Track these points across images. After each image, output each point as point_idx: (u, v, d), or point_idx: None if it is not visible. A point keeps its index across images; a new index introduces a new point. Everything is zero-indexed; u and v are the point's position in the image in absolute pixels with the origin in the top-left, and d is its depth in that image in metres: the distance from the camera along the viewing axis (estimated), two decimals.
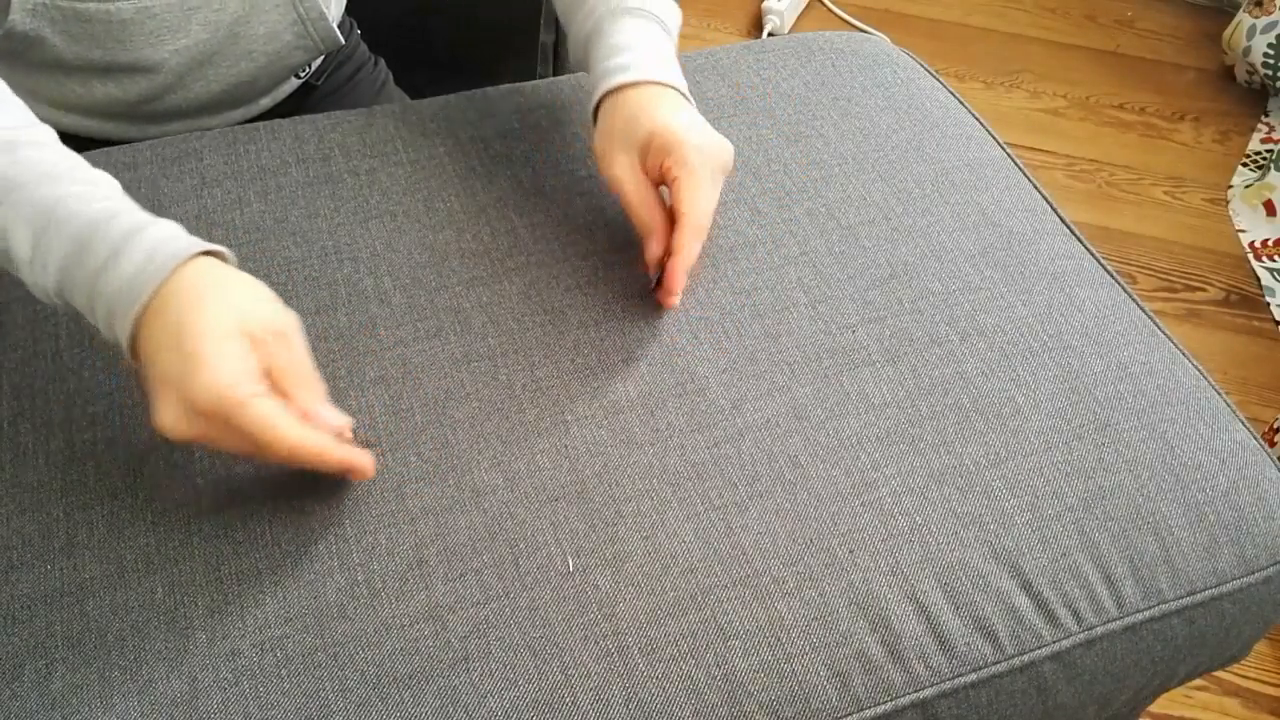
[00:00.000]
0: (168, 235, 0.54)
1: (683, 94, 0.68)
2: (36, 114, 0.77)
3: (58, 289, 0.54)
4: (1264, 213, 1.57)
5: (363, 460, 0.55)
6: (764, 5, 1.86)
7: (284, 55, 0.79)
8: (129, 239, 0.53)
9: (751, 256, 0.71)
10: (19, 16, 0.67)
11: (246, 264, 0.68)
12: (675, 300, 0.66)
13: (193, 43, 0.73)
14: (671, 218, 0.65)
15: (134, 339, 0.53)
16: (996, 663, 0.57)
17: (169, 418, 0.51)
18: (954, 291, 0.70)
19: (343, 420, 0.55)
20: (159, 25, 0.71)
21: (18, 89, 0.74)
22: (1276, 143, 1.68)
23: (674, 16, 0.73)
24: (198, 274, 0.53)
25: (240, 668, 0.52)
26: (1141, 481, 0.62)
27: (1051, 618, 0.58)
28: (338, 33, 0.80)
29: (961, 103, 0.86)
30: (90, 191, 0.56)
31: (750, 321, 0.67)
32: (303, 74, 0.87)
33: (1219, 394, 0.68)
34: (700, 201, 0.64)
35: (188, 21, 0.71)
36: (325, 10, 0.78)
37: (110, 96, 0.75)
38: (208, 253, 0.55)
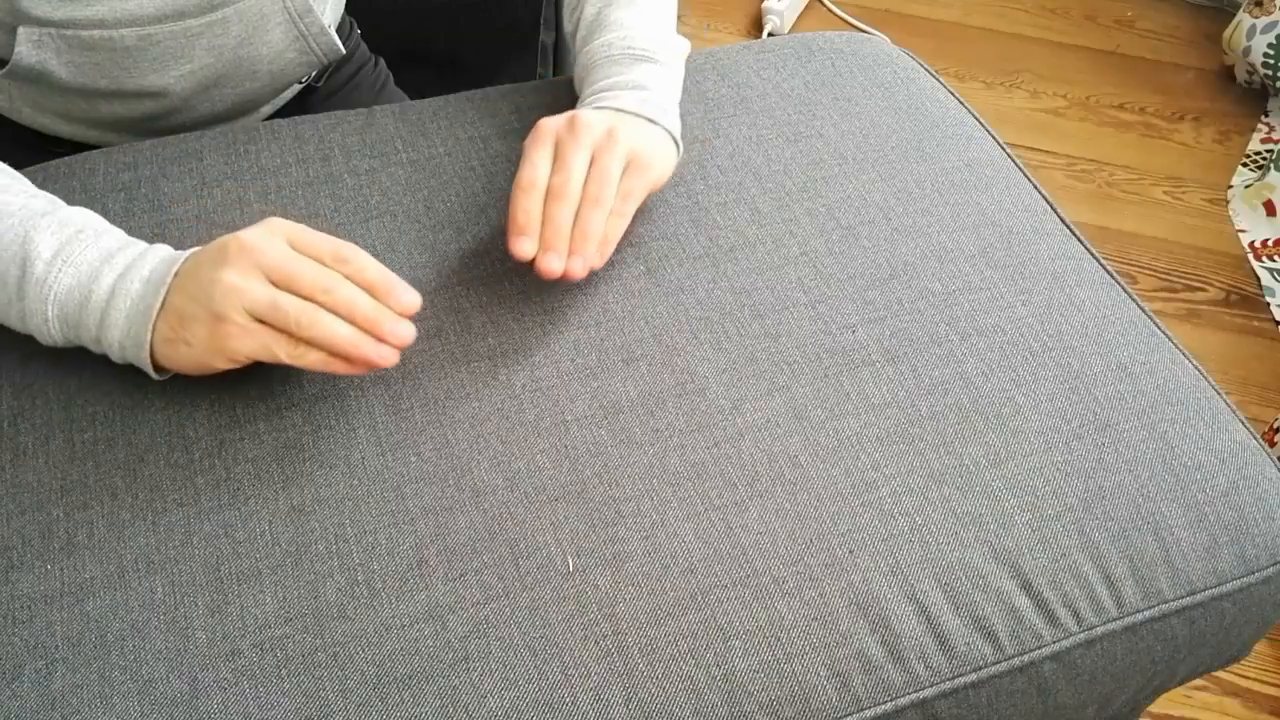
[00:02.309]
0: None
1: (659, 125, 0.68)
2: (37, 121, 0.77)
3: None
4: (1264, 213, 1.57)
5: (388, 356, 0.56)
6: (764, 5, 1.86)
7: (288, 71, 0.79)
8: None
9: (751, 256, 0.71)
10: (24, 49, 0.67)
11: None
12: (555, 266, 0.62)
13: (197, 68, 0.73)
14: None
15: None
16: (996, 663, 0.57)
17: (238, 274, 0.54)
18: (954, 291, 0.70)
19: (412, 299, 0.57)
20: (162, 52, 0.70)
21: (20, 99, 0.75)
22: (1276, 143, 1.68)
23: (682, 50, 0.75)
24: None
25: (240, 668, 0.52)
26: (1141, 481, 0.62)
27: (1051, 618, 0.58)
28: (339, 43, 0.80)
29: (961, 103, 0.86)
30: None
31: (750, 321, 0.67)
32: (304, 80, 0.87)
33: (1219, 394, 0.68)
34: (556, 167, 0.63)
35: (191, 47, 0.71)
36: (325, 24, 0.78)
37: (116, 114, 0.76)
38: None
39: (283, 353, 0.54)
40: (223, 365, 0.56)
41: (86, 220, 0.59)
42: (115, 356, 0.58)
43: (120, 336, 0.57)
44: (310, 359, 0.55)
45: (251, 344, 0.54)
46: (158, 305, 0.56)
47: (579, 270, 0.62)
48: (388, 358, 0.56)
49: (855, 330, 0.67)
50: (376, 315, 0.55)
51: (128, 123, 0.77)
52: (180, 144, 0.75)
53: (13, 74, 0.69)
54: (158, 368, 0.59)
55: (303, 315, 0.54)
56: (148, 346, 0.57)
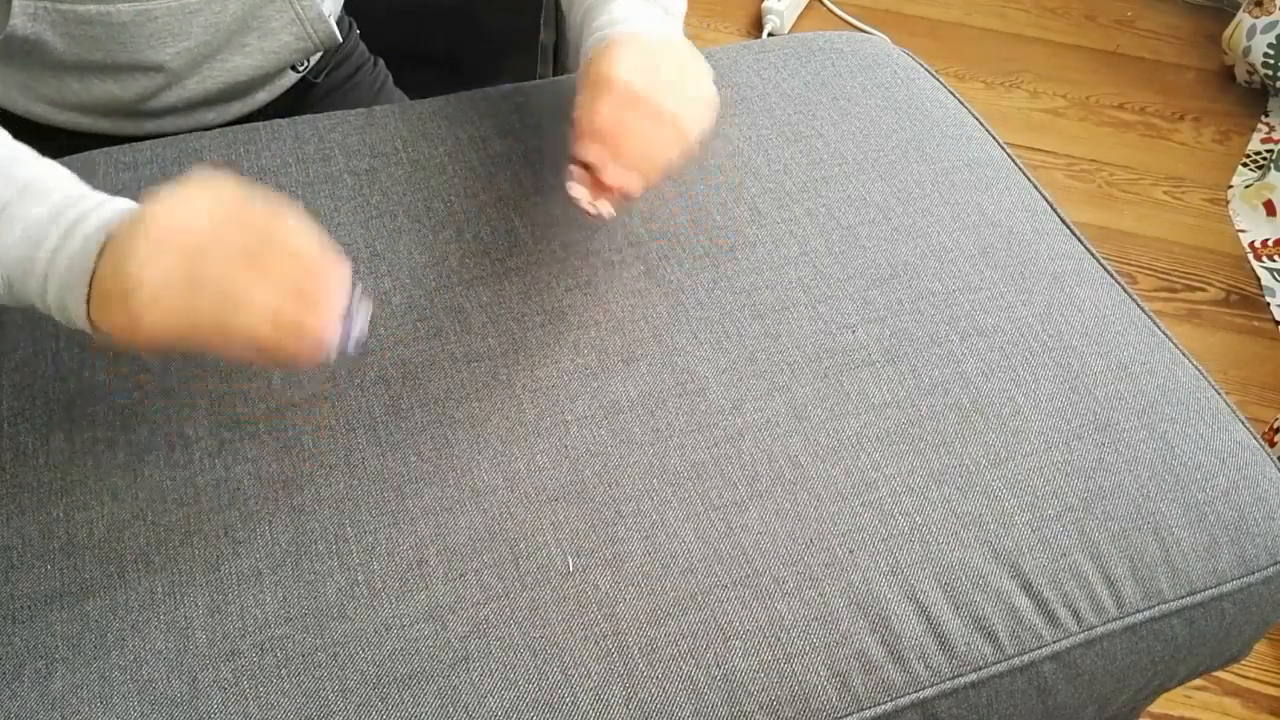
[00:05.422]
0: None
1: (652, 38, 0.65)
2: (30, 110, 0.77)
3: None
4: (1264, 213, 1.57)
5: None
6: (764, 5, 1.86)
7: (282, 54, 0.79)
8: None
9: (751, 256, 0.71)
10: (19, 21, 0.67)
11: None
12: (588, 204, 0.60)
13: (194, 44, 0.73)
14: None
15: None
16: (996, 663, 0.57)
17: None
18: (954, 291, 0.70)
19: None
20: (159, 28, 0.70)
21: (13, 85, 0.75)
22: (1276, 143, 1.68)
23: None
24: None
25: (240, 668, 0.52)
26: (1141, 481, 0.62)
27: (1051, 618, 0.58)
28: (336, 31, 0.80)
29: (961, 103, 0.86)
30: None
31: (750, 321, 0.67)
32: (300, 68, 0.87)
33: (1219, 394, 0.68)
34: (589, 110, 0.60)
35: (189, 24, 0.71)
36: (323, 10, 0.78)
37: (109, 95, 0.76)
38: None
39: (197, 343, 0.49)
40: (143, 349, 0.51)
41: (33, 177, 0.54)
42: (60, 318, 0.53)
43: (63, 318, 0.52)
44: (228, 354, 0.50)
45: (163, 337, 0.49)
46: (85, 290, 0.51)
47: (635, 190, 0.60)
48: (301, 363, 0.51)
49: (855, 330, 0.67)
50: (296, 317, 0.49)
51: (121, 105, 0.77)
52: (180, 144, 0.75)
53: (7, 46, 0.68)
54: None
55: (220, 320, 0.49)
56: (90, 328, 0.52)
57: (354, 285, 0.52)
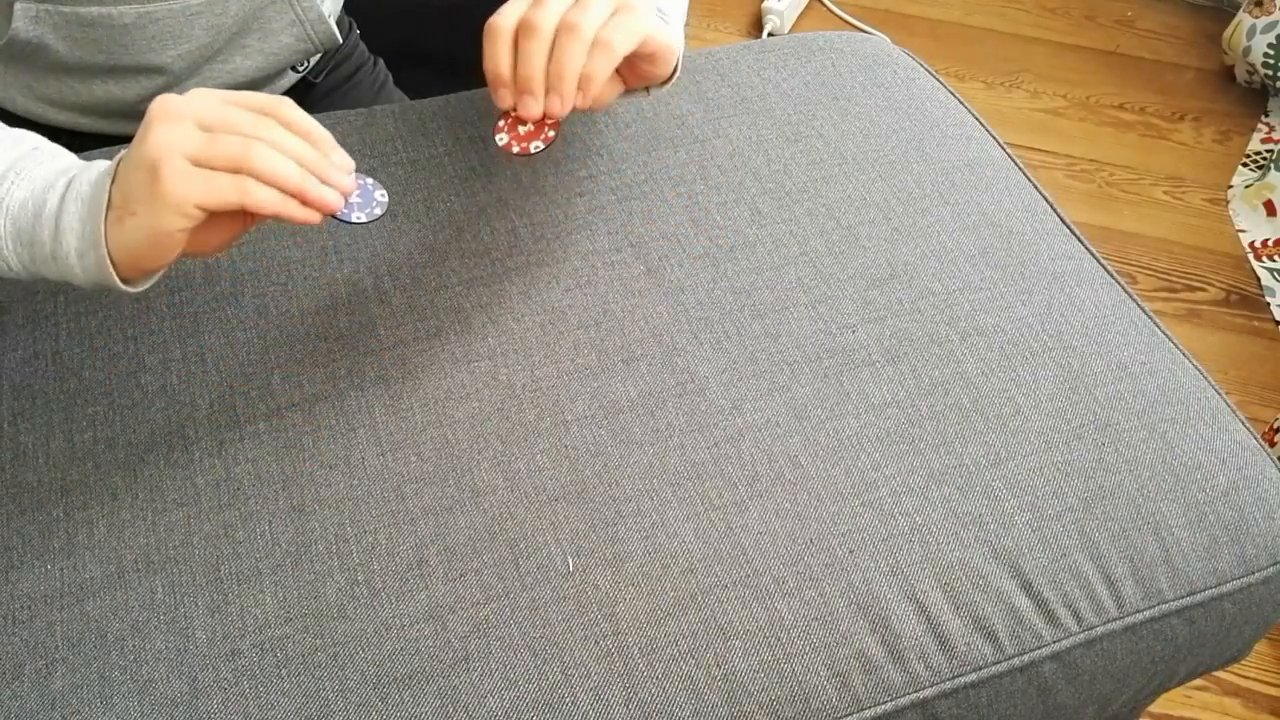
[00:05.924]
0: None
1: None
2: (30, 110, 0.77)
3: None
4: (1264, 213, 1.57)
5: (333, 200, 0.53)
6: (764, 5, 1.86)
7: (282, 55, 0.79)
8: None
9: (751, 256, 0.71)
10: (21, 24, 0.67)
11: (246, 263, 0.68)
12: (531, 109, 0.60)
13: (195, 46, 0.73)
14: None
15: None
16: (996, 663, 0.57)
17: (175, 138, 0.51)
18: (954, 291, 0.70)
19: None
20: (161, 30, 0.71)
21: (14, 85, 0.75)
22: (1276, 143, 1.68)
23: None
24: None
25: (240, 668, 0.52)
26: (1141, 481, 0.62)
27: (1051, 618, 0.58)
28: (336, 33, 0.80)
29: (961, 103, 0.86)
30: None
31: (750, 321, 0.67)
32: (300, 69, 0.87)
33: (1219, 394, 0.68)
34: (530, 3, 0.60)
35: (190, 27, 0.72)
36: (323, 11, 0.78)
37: (110, 96, 0.76)
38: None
39: (229, 186, 0.50)
40: (174, 222, 0.50)
41: (42, 141, 0.56)
42: (76, 271, 0.53)
43: (77, 242, 0.53)
44: (262, 194, 0.51)
45: (193, 185, 0.50)
46: (105, 198, 0.52)
47: (557, 109, 0.58)
48: (333, 200, 0.53)
49: (855, 330, 0.67)
50: (318, 159, 0.53)
51: (121, 106, 0.77)
52: None
53: (9, 48, 0.69)
54: (123, 278, 0.54)
55: (245, 149, 0.50)
56: (104, 242, 0.52)
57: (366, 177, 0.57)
